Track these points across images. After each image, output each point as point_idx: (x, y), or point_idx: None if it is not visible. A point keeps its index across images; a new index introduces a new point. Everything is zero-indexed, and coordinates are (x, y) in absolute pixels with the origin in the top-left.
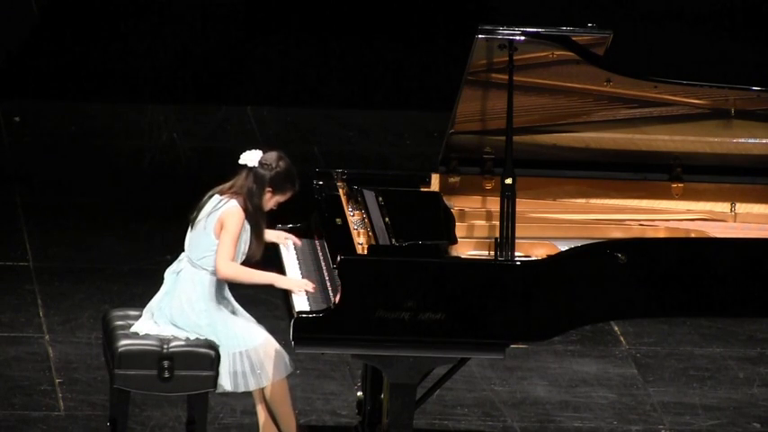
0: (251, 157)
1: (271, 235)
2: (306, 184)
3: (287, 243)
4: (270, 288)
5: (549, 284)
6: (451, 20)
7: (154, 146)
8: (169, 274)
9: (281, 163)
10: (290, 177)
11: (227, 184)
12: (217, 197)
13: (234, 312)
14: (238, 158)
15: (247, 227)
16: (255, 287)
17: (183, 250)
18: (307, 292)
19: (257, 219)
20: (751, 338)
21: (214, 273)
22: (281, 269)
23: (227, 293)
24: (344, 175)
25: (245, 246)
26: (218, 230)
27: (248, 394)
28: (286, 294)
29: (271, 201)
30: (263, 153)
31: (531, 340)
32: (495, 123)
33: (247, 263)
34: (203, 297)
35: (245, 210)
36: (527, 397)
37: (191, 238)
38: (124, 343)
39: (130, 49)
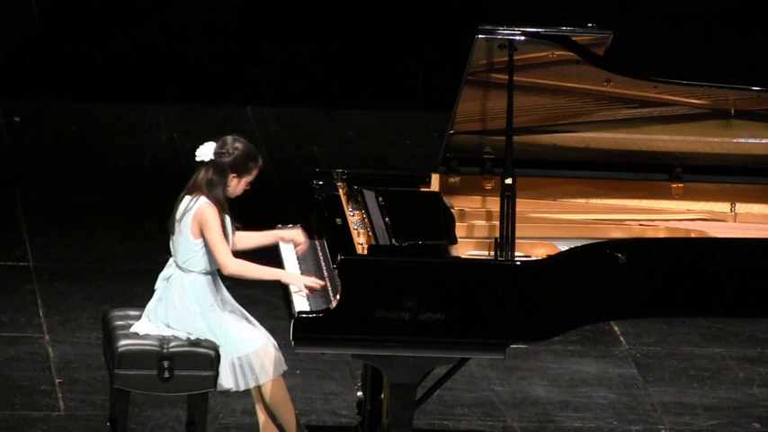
0: (205, 151)
1: (287, 234)
2: (306, 184)
3: (287, 241)
4: (272, 285)
5: (548, 284)
6: (451, 20)
7: (154, 146)
8: (160, 280)
9: (237, 144)
10: (250, 155)
11: (189, 182)
12: (187, 198)
13: (233, 312)
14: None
15: (227, 221)
16: (262, 282)
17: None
18: (309, 291)
19: (223, 207)
20: (751, 338)
21: (203, 273)
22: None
23: (224, 293)
24: (344, 175)
25: (229, 238)
26: (194, 231)
27: (248, 394)
28: (286, 294)
29: (240, 185)
30: (216, 142)
31: (531, 340)
32: (495, 123)
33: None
34: (196, 299)
35: (216, 204)
36: (527, 397)
37: (173, 242)
38: (124, 343)
39: (130, 49)
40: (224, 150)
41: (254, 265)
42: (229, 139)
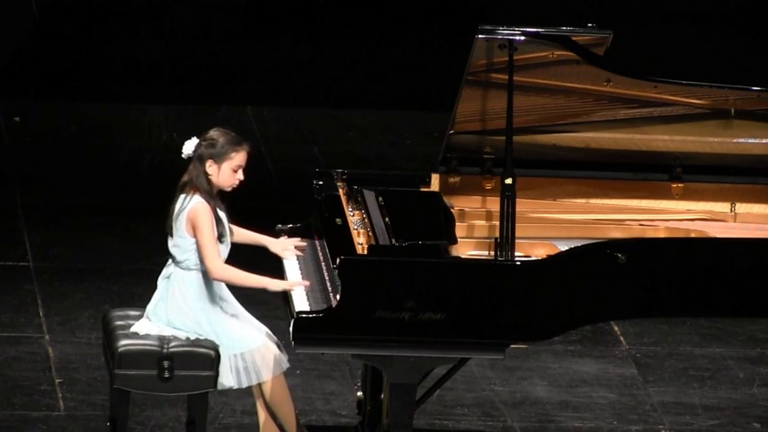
0: (189, 146)
1: (275, 246)
2: (306, 184)
3: (287, 255)
4: (264, 291)
5: (549, 284)
6: (451, 20)
7: (154, 146)
8: (161, 279)
9: (214, 133)
10: (228, 140)
11: (180, 182)
12: (181, 197)
13: (234, 314)
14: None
15: (221, 215)
16: (249, 289)
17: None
18: (306, 290)
19: (213, 201)
20: (751, 338)
21: (201, 270)
22: (281, 272)
23: (225, 293)
24: (344, 175)
25: (225, 235)
26: (189, 230)
27: (248, 394)
28: (286, 294)
29: (221, 172)
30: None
31: (531, 340)
32: (495, 123)
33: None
34: (198, 295)
35: (208, 200)
36: (527, 397)
37: (171, 243)
38: (124, 343)
39: (130, 50)
40: (201, 140)
41: (240, 272)
42: (211, 130)
